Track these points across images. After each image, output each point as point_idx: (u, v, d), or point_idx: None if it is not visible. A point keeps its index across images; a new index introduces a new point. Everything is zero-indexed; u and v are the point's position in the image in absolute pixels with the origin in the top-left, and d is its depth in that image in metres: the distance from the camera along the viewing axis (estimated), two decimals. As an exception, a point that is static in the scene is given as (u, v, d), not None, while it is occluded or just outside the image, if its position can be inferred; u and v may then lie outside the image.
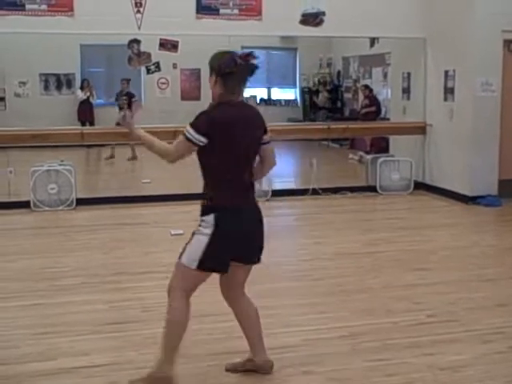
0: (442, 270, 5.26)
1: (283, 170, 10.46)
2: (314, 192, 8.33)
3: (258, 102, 16.24)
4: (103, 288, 4.83)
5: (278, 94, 16.79)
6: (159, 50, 8.08)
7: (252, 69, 3.09)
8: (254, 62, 3.09)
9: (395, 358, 3.57)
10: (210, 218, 3.10)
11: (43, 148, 9.27)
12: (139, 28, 7.93)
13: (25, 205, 7.60)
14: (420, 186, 8.71)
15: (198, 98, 15.62)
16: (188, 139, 3.02)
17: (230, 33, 8.23)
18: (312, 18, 8.29)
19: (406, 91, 9.17)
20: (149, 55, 8.17)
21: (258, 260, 3.33)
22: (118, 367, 3.50)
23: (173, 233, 6.43)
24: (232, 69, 3.03)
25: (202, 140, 3.00)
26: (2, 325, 3.99)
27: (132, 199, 8.21)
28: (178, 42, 8.13)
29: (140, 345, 3.79)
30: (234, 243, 3.13)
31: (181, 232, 6.41)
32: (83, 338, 3.88)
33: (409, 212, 7.72)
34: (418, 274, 5.13)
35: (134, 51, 8.11)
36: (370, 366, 3.46)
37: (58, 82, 15.35)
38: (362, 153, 11.72)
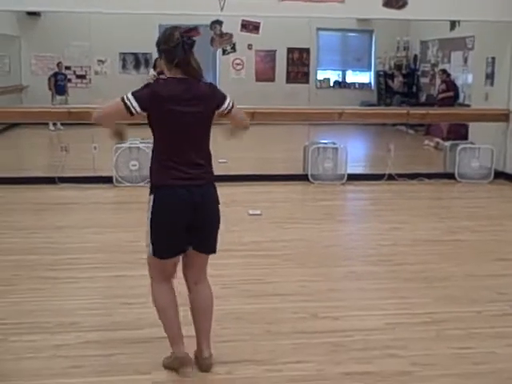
0: (525, 262, 5.15)
1: (359, 154, 10.41)
2: (390, 177, 8.24)
3: (332, 84, 16.14)
4: (186, 263, 4.96)
5: (352, 77, 16.61)
6: (241, 31, 8.13)
7: (188, 44, 3.00)
8: (195, 37, 3.03)
9: (480, 347, 3.54)
10: (151, 197, 3.07)
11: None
12: (222, 9, 7.99)
13: (107, 180, 7.87)
14: (500, 176, 8.48)
15: (272, 80, 15.67)
16: (123, 101, 2.96)
17: (312, 15, 8.20)
18: (395, 1, 8.15)
19: (490, 77, 8.90)
20: (231, 36, 8.24)
21: (209, 249, 3.24)
22: (205, 339, 3.60)
23: (251, 213, 6.52)
24: (169, 44, 2.99)
25: (137, 109, 2.95)
26: (95, 293, 4.18)
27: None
28: (259, 23, 8.15)
29: (221, 320, 3.87)
30: (175, 225, 3.05)
31: (258, 212, 6.53)
32: (169, 310, 4.02)
33: (489, 201, 7.54)
34: (501, 265, 5.03)
35: (217, 32, 8.19)
36: (456, 354, 3.44)
37: (136, 60, 15.71)
38: (438, 139, 11.49)
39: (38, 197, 7.21)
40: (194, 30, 3.06)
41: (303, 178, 8.28)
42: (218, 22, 8.24)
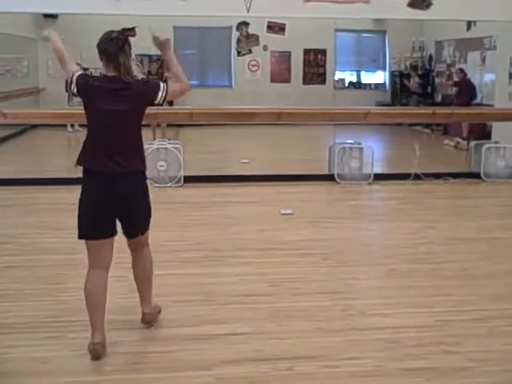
0: None
1: (380, 153, 10.44)
2: (416, 177, 8.28)
3: (347, 85, 16.18)
4: (228, 262, 5.02)
5: (367, 77, 16.65)
6: (267, 32, 8.17)
7: (121, 40, 3.28)
8: (130, 36, 3.32)
9: (534, 344, 3.58)
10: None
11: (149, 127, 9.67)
12: (248, 10, 8.04)
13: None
14: (526, 174, 8.51)
15: (287, 81, 15.72)
16: (72, 76, 3.34)
17: (337, 15, 8.22)
18: (421, 1, 8.18)
19: (514, 76, 8.93)
20: (257, 38, 8.29)
21: (134, 235, 3.56)
22: (261, 336, 3.66)
23: (282, 212, 6.57)
24: (106, 45, 3.29)
25: (74, 90, 3.35)
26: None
27: (233, 178, 8.41)
28: (285, 24, 8.19)
29: (276, 317, 3.94)
30: (99, 207, 3.35)
31: (290, 212, 6.58)
32: (221, 308, 4.08)
33: (517, 200, 7.59)
34: (541, 262, 5.07)
35: (243, 33, 8.25)
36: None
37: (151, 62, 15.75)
38: (458, 139, 11.54)
39: (70, 197, 7.22)
40: (130, 30, 3.32)
41: (329, 177, 8.33)
42: (245, 24, 8.30)
